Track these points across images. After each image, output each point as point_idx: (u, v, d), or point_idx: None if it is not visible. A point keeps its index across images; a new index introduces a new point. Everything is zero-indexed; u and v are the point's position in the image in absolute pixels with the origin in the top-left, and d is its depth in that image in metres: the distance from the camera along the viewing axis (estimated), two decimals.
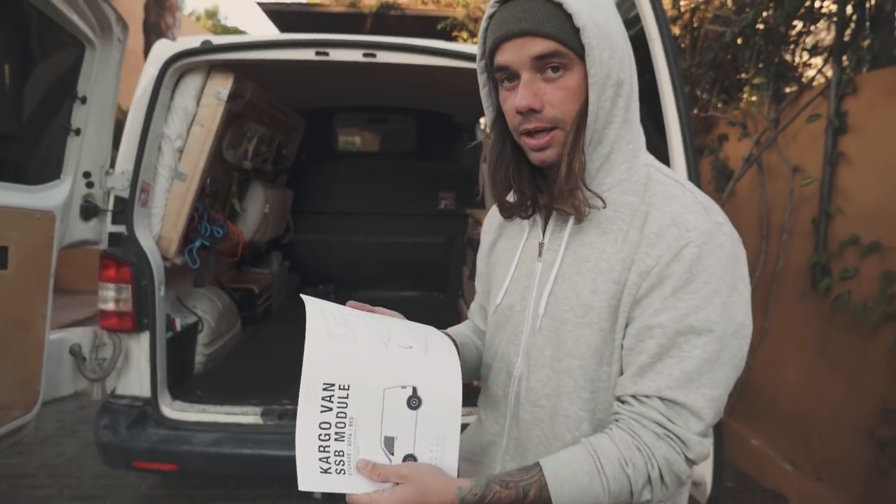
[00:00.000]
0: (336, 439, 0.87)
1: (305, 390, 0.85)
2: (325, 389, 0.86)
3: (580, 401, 0.95)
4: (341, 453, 0.87)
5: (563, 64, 0.89)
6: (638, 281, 0.90)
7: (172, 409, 2.56)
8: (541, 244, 1.03)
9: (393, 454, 0.88)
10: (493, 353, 1.10)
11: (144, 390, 2.54)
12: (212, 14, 30.90)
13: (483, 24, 0.95)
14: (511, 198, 1.04)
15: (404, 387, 0.87)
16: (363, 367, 0.87)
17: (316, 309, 0.92)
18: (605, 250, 0.93)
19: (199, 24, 24.94)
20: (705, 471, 1.80)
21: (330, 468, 0.87)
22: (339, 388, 0.86)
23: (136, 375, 2.56)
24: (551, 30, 0.87)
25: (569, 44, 0.88)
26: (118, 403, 2.53)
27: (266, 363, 3.27)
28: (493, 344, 1.11)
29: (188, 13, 25.62)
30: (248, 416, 2.55)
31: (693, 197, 0.92)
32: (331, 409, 0.86)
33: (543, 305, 0.98)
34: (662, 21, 1.73)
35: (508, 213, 1.05)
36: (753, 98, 3.69)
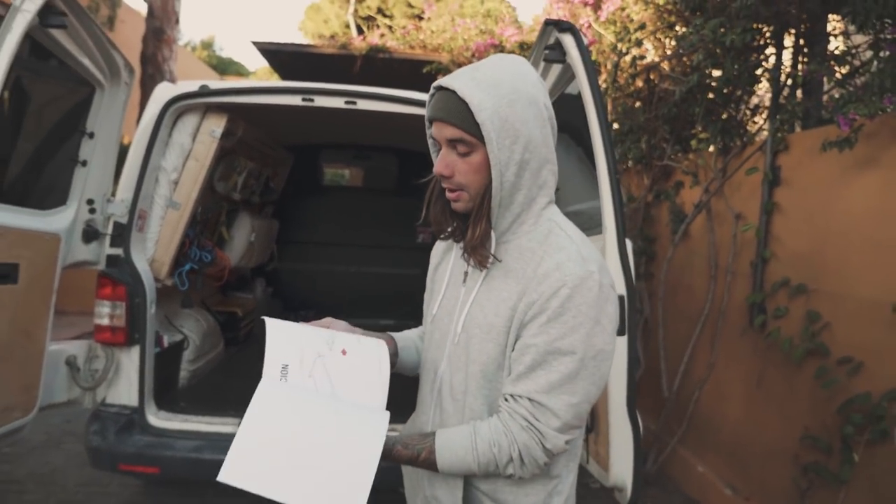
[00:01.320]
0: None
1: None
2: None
3: (482, 397, 1.23)
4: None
5: (468, 146, 1.16)
6: (525, 309, 1.17)
7: (157, 418, 2.77)
8: (465, 273, 1.30)
9: None
10: (425, 356, 1.39)
11: (132, 400, 2.76)
12: (207, 45, 31.38)
13: (428, 99, 1.23)
14: (447, 226, 1.31)
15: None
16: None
17: (274, 354, 1.21)
18: (508, 283, 1.21)
19: (195, 54, 25.37)
20: (626, 476, 2.05)
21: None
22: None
23: (125, 386, 2.78)
24: (456, 121, 1.14)
25: (472, 132, 1.13)
26: (108, 411, 2.75)
27: (246, 381, 3.46)
28: (425, 349, 1.39)
29: (184, 44, 26.08)
30: (227, 425, 2.77)
31: (577, 249, 1.18)
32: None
33: (461, 324, 1.26)
34: (595, 89, 2.04)
35: (447, 237, 1.33)
36: (710, 149, 4.03)
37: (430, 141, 1.30)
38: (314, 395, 1.17)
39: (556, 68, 2.38)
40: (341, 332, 1.25)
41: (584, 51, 2.10)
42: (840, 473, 2.58)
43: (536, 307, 1.15)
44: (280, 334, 1.20)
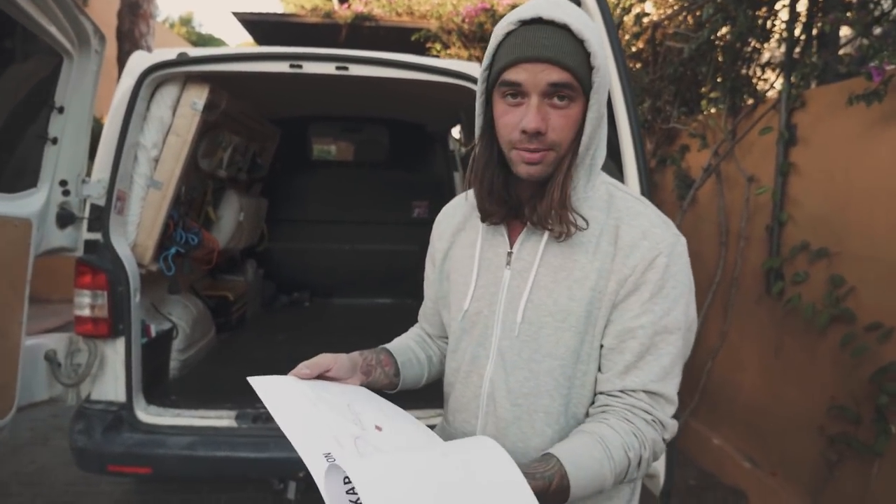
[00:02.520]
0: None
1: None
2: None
3: (560, 397, 1.05)
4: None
5: (571, 95, 0.96)
6: (616, 288, 1.00)
7: (147, 414, 2.59)
8: (509, 253, 1.10)
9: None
10: (461, 357, 1.16)
11: (119, 395, 2.58)
12: (186, 21, 30.68)
13: (497, 38, 0.99)
14: (488, 203, 1.09)
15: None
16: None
17: (268, 402, 0.96)
18: (578, 261, 1.03)
19: (174, 31, 24.75)
20: (659, 464, 1.90)
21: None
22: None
23: (111, 381, 2.59)
24: (572, 63, 0.93)
25: (581, 79, 0.95)
26: (93, 408, 2.56)
27: (240, 369, 3.28)
28: (459, 348, 1.17)
29: (162, 20, 25.45)
30: (222, 419, 2.60)
31: (655, 212, 1.05)
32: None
33: (521, 313, 1.06)
34: (615, 41, 1.85)
35: (488, 216, 1.10)
36: (712, 111, 3.85)
37: (481, 87, 1.04)
38: (400, 452, 0.89)
39: None
40: (361, 402, 1.04)
41: None
42: (875, 445, 2.45)
43: (630, 283, 1.00)
44: (293, 414, 0.93)
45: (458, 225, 1.21)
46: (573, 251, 1.03)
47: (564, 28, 0.93)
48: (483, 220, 1.12)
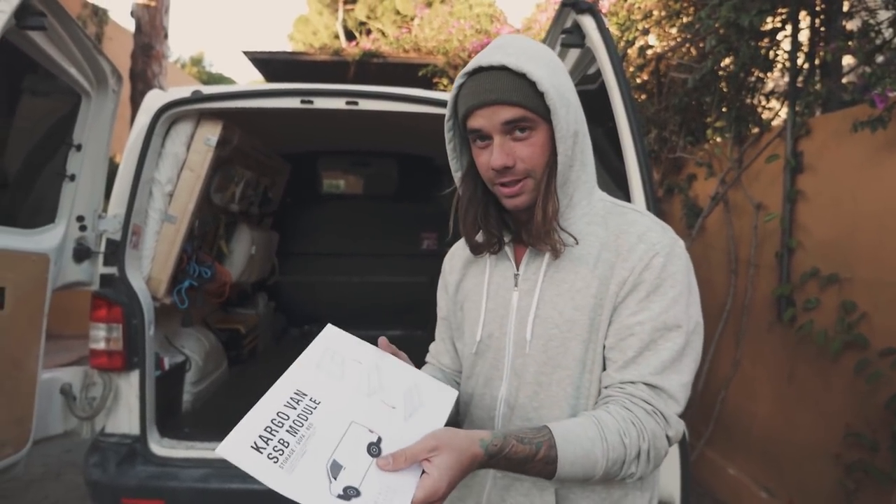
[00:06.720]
0: (287, 431, 0.88)
1: (276, 389, 0.94)
2: (295, 394, 0.94)
3: (568, 407, 1.07)
4: (286, 443, 0.86)
5: (530, 125, 1.03)
6: (617, 290, 1.04)
7: (161, 447, 2.60)
8: (516, 275, 1.14)
9: (335, 479, 0.84)
10: (474, 382, 1.19)
11: (133, 428, 2.59)
12: (197, 61, 31.25)
13: (453, 92, 1.09)
14: (479, 238, 1.16)
15: (371, 431, 0.92)
16: (337, 398, 0.95)
17: (320, 346, 1.04)
18: (579, 272, 1.07)
19: (185, 70, 25.23)
20: (673, 490, 1.89)
21: (265, 450, 0.85)
22: (310, 400, 0.94)
23: (125, 413, 2.61)
24: (517, 98, 1.01)
25: (533, 108, 1.02)
26: (107, 441, 2.57)
27: (252, 401, 3.28)
28: (473, 374, 1.20)
29: (174, 60, 25.93)
30: None
31: (650, 218, 1.10)
32: (295, 409, 0.91)
33: (530, 330, 1.09)
34: (620, 73, 1.89)
35: (477, 251, 1.17)
36: (717, 140, 3.89)
37: (448, 135, 1.14)
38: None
39: (574, 53, 2.23)
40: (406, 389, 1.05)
41: (605, 32, 1.95)
42: (893, 472, 2.41)
43: (629, 284, 1.04)
44: (318, 384, 0.98)
45: (469, 257, 1.24)
46: (575, 265, 1.08)
47: (503, 69, 1.01)
48: (473, 253, 1.18)
